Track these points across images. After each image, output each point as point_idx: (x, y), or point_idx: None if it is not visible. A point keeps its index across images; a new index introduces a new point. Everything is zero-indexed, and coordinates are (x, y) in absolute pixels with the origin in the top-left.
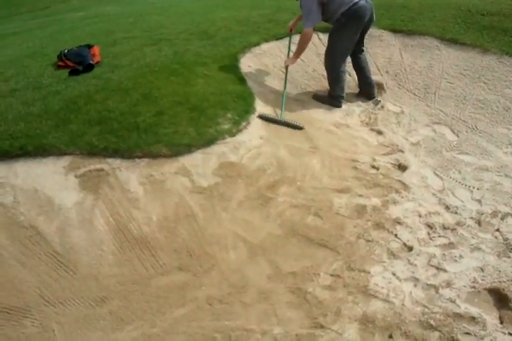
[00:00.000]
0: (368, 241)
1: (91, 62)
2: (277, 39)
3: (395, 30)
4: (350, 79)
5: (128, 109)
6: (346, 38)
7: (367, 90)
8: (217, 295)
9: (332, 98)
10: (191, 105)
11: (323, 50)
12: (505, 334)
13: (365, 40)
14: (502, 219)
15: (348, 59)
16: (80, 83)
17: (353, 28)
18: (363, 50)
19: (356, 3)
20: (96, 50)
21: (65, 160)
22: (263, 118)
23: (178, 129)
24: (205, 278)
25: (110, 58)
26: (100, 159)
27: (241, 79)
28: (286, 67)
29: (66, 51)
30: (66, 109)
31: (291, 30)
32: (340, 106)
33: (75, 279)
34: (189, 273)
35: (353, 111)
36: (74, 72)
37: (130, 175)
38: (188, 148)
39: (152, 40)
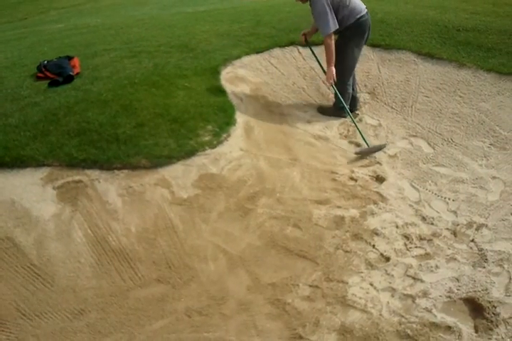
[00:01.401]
0: (346, 251)
1: (71, 73)
2: (258, 52)
3: (373, 45)
4: (329, 91)
5: (107, 120)
6: (354, 52)
7: (351, 103)
8: (196, 307)
9: (338, 109)
10: (172, 117)
11: (303, 63)
12: None
13: None
14: (477, 229)
15: None
16: (59, 94)
17: (360, 40)
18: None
19: (363, 16)
20: (76, 61)
21: (42, 172)
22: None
23: (159, 141)
24: (185, 289)
25: (90, 70)
26: (79, 170)
27: (221, 92)
28: (331, 85)
29: (46, 62)
30: (45, 120)
31: (305, 40)
32: (345, 117)
33: (52, 291)
34: (168, 284)
35: (332, 124)
36: (53, 84)
37: (109, 187)
38: (168, 160)
39: (132, 52)
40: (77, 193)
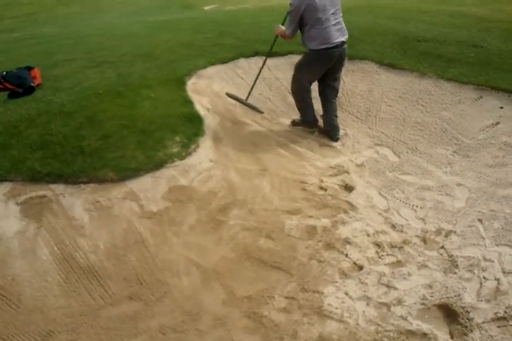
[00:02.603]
0: (320, 261)
1: (32, 84)
2: (223, 63)
3: None
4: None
5: (72, 132)
6: (309, 74)
7: (329, 131)
8: (170, 324)
9: (306, 122)
10: (138, 128)
11: (268, 74)
12: None
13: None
14: (446, 236)
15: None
16: (20, 106)
17: (319, 68)
18: (336, 89)
19: (329, 48)
20: (36, 72)
21: (5, 187)
22: (230, 96)
23: (125, 153)
24: (158, 306)
25: (51, 81)
26: (43, 185)
27: (188, 102)
28: (276, 36)
29: (5, 73)
30: (6, 133)
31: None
32: (314, 128)
33: (18, 313)
34: (140, 302)
35: (300, 134)
36: (14, 95)
37: (75, 202)
38: (136, 172)
39: (94, 62)
40: (42, 209)
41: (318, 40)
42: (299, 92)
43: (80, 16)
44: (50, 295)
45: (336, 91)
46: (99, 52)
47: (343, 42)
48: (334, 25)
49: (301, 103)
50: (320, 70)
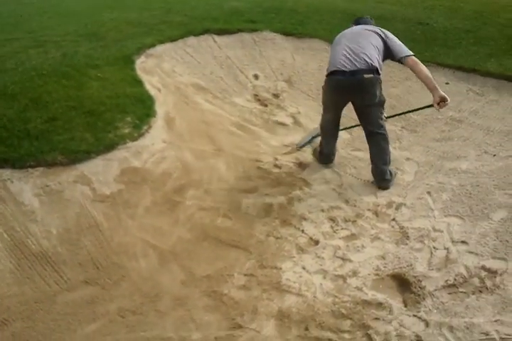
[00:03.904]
0: (277, 238)
1: None
2: (172, 41)
3: (286, 34)
4: (247, 80)
5: (16, 115)
6: (325, 100)
7: (375, 179)
8: (129, 307)
9: (321, 154)
10: (86, 109)
11: (218, 52)
12: (410, 316)
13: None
14: (396, 209)
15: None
16: None
17: (327, 98)
18: (371, 132)
19: (332, 72)
20: None
21: None
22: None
23: (74, 135)
24: (115, 290)
25: None
26: None
27: (138, 82)
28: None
29: None
30: None
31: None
32: (327, 163)
33: None
34: (97, 286)
35: (252, 113)
36: None
37: (23, 187)
38: (87, 155)
39: (37, 41)
40: None
41: (329, 64)
42: (321, 119)
43: None
44: (2, 284)
45: (370, 128)
46: (41, 31)
47: (354, 72)
48: (348, 50)
49: (321, 132)
50: (330, 103)
